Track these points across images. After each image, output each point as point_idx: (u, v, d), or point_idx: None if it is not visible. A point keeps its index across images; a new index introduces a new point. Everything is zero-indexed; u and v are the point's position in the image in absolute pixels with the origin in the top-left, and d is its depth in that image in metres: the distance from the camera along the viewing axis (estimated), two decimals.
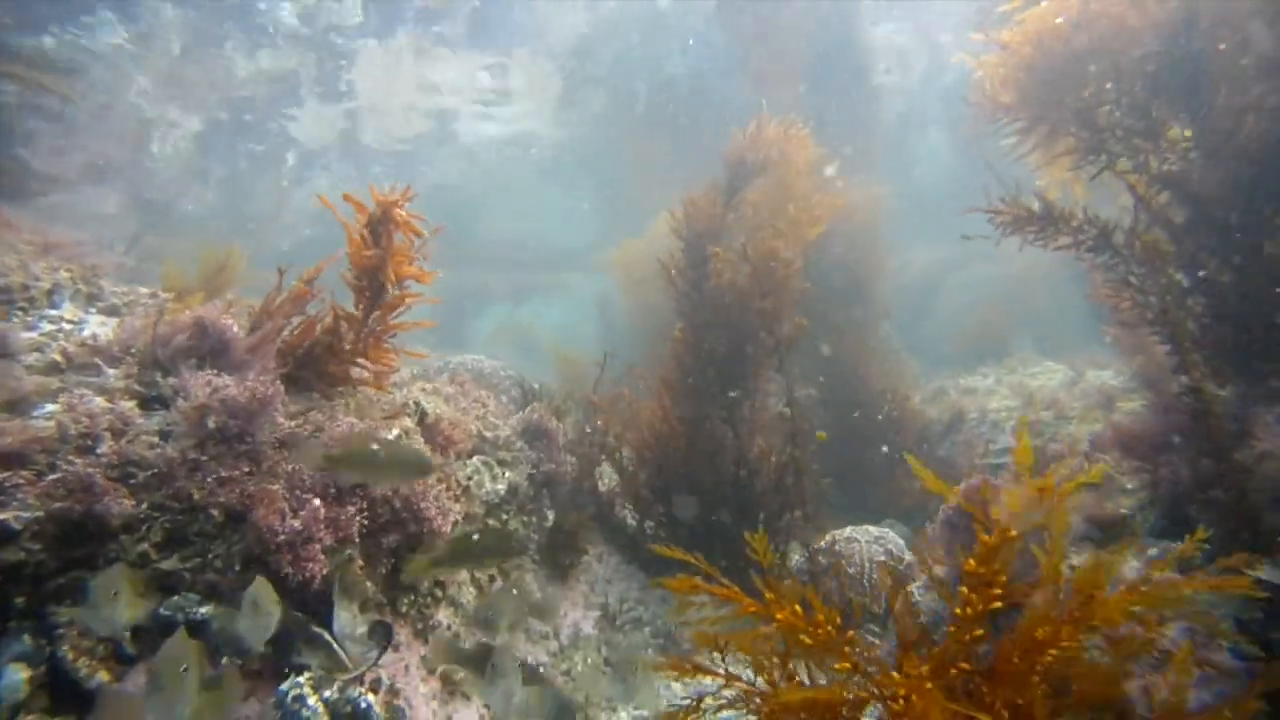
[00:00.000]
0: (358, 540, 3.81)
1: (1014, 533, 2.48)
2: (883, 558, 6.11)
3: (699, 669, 2.51)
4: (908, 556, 6.14)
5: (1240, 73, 5.18)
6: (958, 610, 2.44)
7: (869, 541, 6.26)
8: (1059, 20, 5.75)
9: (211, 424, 3.53)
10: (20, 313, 4.12)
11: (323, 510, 3.58)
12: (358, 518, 3.74)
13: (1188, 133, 5.60)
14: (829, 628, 2.49)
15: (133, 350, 4.00)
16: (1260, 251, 5.18)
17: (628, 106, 16.47)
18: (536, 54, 14.41)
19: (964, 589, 2.48)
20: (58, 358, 3.88)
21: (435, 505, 3.99)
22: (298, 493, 3.63)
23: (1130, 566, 4.67)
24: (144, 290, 4.98)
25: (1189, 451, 5.01)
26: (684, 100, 16.38)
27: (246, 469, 3.57)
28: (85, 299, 4.62)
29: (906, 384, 9.39)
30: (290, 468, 3.69)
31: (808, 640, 2.71)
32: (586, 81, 15.35)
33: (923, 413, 8.87)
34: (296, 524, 3.48)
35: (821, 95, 15.43)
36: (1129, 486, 5.37)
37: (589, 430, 6.29)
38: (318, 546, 3.46)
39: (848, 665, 2.41)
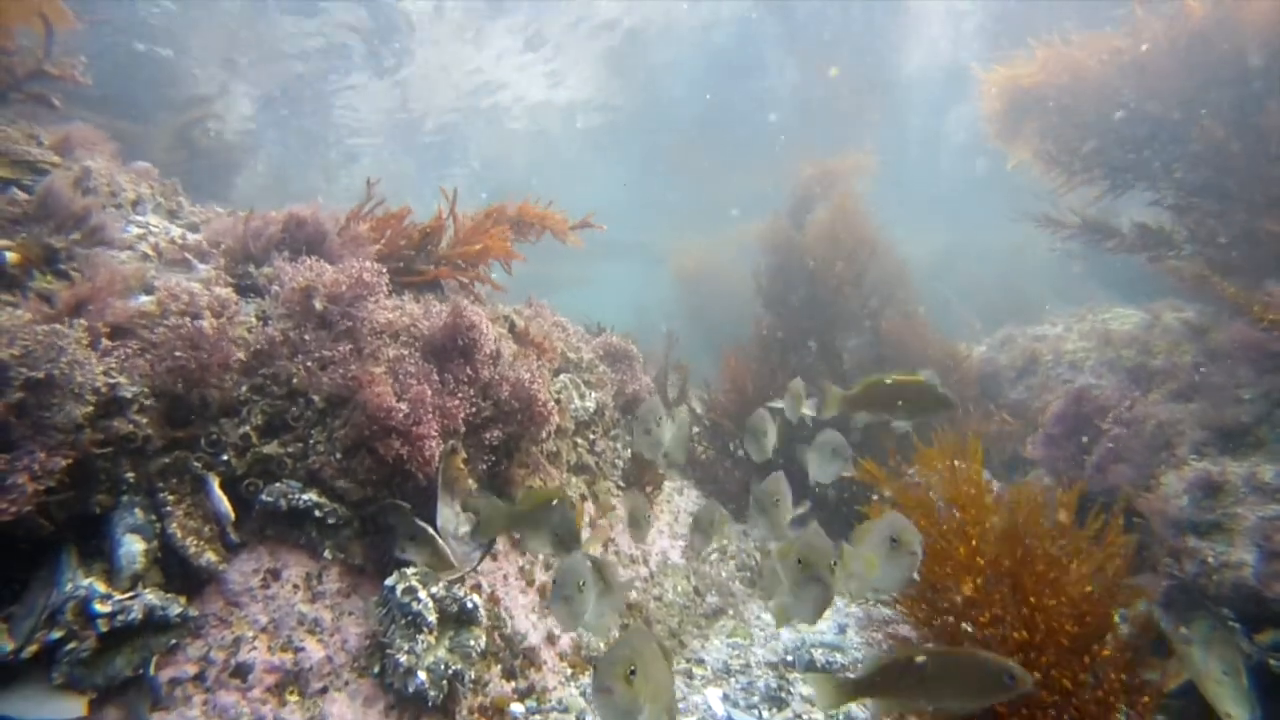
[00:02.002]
0: (461, 432, 3.65)
1: None
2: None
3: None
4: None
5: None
6: None
7: None
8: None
9: (318, 305, 3.38)
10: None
11: (429, 394, 3.41)
12: (463, 408, 3.57)
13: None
14: None
15: (222, 246, 3.88)
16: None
17: (671, 90, 16.30)
18: (581, 34, 14.28)
19: None
20: (149, 252, 3.77)
21: (549, 395, 3.80)
22: (402, 377, 3.47)
23: (1268, 470, 4.38)
24: (221, 210, 4.88)
25: None
26: (729, 84, 16.17)
27: (349, 349, 3.42)
28: (167, 214, 4.53)
29: (963, 343, 9.21)
30: (392, 353, 3.54)
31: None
32: (633, 58, 15.14)
33: (993, 359, 8.56)
34: (405, 406, 3.32)
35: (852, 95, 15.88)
36: (1246, 397, 5.06)
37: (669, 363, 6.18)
38: (432, 427, 3.29)
39: None
